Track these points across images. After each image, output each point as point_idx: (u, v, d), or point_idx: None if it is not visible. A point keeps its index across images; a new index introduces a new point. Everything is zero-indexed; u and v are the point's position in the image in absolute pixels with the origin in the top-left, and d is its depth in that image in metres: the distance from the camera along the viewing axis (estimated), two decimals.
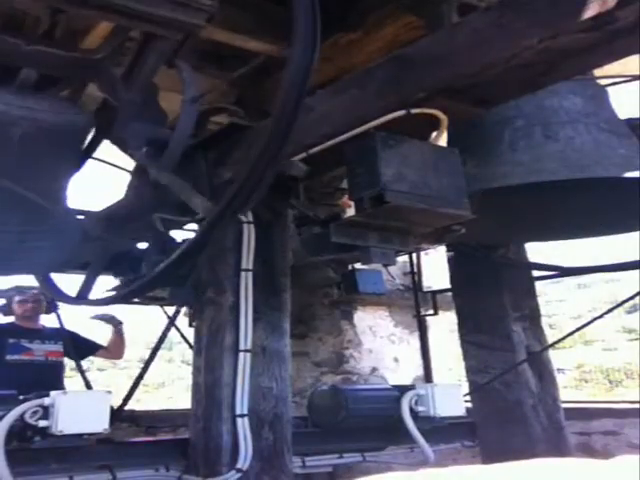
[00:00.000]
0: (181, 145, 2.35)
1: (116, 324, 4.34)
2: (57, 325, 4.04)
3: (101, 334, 4.43)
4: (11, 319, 4.10)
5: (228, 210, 2.03)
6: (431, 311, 5.31)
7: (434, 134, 2.18)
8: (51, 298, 3.98)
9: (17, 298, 4.05)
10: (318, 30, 1.77)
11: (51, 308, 4.07)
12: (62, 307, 4.04)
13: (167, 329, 2.86)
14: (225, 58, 2.88)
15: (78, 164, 2.75)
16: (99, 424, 2.23)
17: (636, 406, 4.30)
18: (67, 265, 3.25)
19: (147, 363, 2.90)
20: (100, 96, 2.46)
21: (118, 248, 3.10)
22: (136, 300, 3.75)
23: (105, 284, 3.32)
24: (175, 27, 2.03)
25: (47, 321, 4.19)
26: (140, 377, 2.92)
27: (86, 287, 3.11)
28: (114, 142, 2.54)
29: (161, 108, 2.53)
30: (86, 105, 2.59)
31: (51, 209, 2.49)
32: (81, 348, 4.14)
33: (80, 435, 2.24)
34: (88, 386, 3.72)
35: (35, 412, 2.16)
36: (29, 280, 3.68)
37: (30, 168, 2.32)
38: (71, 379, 5.73)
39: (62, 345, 4.05)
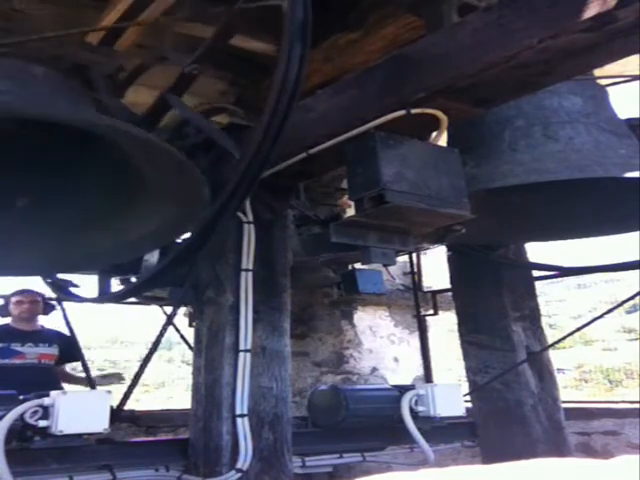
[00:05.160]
0: None
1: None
2: (58, 326, 4.03)
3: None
4: (8, 320, 4.08)
5: (224, 211, 2.03)
6: (431, 311, 5.32)
7: (434, 134, 2.17)
8: (49, 299, 3.97)
9: (14, 299, 4.03)
10: (308, 31, 1.75)
11: (49, 309, 4.05)
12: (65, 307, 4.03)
13: (164, 329, 2.86)
14: (225, 58, 2.88)
15: None
16: (99, 424, 2.23)
17: (636, 406, 4.31)
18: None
19: (144, 363, 2.90)
20: None
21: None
22: (135, 300, 3.75)
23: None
24: None
25: (48, 322, 4.18)
26: (137, 376, 2.92)
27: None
28: None
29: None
30: None
31: None
32: (76, 352, 4.09)
33: (80, 435, 2.24)
34: (92, 386, 3.71)
35: (35, 412, 2.15)
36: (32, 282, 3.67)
37: None
38: None
39: (57, 348, 4.02)
